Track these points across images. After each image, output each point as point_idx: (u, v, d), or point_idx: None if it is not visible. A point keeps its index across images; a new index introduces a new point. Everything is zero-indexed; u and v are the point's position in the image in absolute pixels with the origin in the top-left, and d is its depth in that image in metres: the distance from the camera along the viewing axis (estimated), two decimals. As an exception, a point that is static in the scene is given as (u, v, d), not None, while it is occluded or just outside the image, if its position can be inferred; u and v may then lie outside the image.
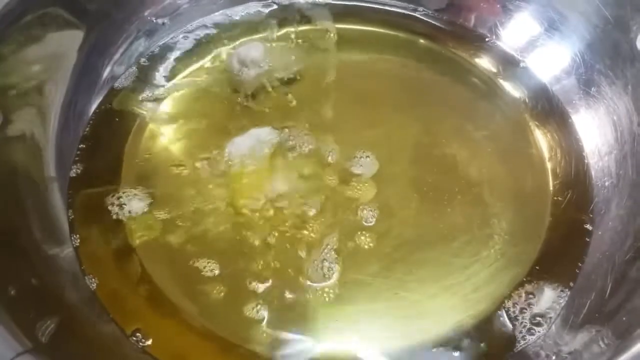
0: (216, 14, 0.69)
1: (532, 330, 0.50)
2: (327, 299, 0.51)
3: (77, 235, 0.53)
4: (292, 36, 0.68)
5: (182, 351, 0.49)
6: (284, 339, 0.49)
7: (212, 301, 0.51)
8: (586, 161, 0.61)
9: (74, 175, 0.57)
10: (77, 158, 0.58)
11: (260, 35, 0.68)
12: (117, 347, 0.48)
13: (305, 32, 0.69)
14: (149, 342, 0.48)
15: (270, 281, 0.52)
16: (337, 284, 0.52)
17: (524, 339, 0.50)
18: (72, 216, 0.54)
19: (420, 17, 0.71)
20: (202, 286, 0.51)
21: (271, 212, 0.55)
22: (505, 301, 0.52)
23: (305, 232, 0.54)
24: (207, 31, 0.68)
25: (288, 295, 0.51)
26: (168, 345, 0.49)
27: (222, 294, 0.51)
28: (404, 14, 0.71)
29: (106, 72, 0.62)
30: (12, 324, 0.39)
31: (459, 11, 0.70)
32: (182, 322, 0.50)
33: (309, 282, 0.52)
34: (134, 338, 0.48)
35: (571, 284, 0.53)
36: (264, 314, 0.50)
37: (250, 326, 0.49)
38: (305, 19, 0.70)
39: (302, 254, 0.53)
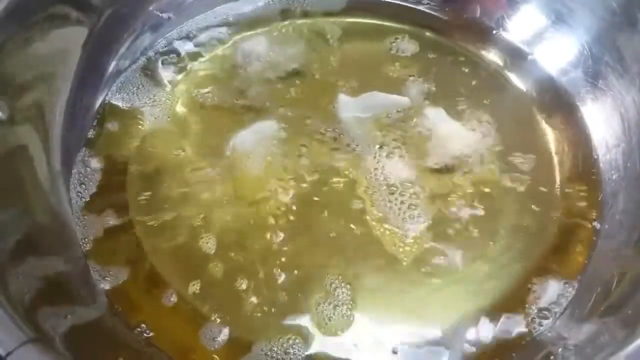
0: (220, 7, 0.69)
1: (539, 323, 0.50)
2: (331, 293, 0.51)
3: (83, 231, 0.54)
4: (297, 30, 0.68)
5: (185, 342, 0.49)
6: (285, 330, 0.49)
7: (216, 292, 0.51)
8: (593, 154, 0.60)
9: (81, 170, 0.57)
10: (82, 153, 0.58)
11: (265, 29, 0.68)
12: (121, 339, 0.48)
13: (309, 25, 0.69)
14: (153, 333, 0.49)
15: (276, 274, 0.52)
16: (341, 278, 0.52)
17: (531, 332, 0.50)
18: (79, 212, 0.55)
19: (426, 9, 0.70)
20: (206, 278, 0.52)
21: (277, 205, 0.55)
22: (512, 294, 0.52)
23: (309, 223, 0.54)
24: (212, 25, 0.68)
25: (290, 288, 0.51)
26: (171, 336, 0.49)
27: (229, 283, 0.51)
28: (408, 7, 0.70)
29: (111, 67, 0.63)
30: (17, 315, 0.39)
31: (464, 3, 0.70)
32: (185, 313, 0.50)
33: (314, 272, 0.52)
34: (139, 329, 0.49)
35: (578, 277, 0.53)
36: (268, 305, 0.50)
37: (253, 318, 0.50)
38: (309, 12, 0.70)
39: (308, 248, 0.53)
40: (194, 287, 0.51)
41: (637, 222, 0.53)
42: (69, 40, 0.58)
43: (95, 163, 0.58)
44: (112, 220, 0.55)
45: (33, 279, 0.44)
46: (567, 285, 0.52)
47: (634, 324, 0.43)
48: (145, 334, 0.49)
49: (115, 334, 0.48)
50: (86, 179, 0.57)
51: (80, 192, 0.56)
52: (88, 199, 0.55)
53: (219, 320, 0.50)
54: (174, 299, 0.51)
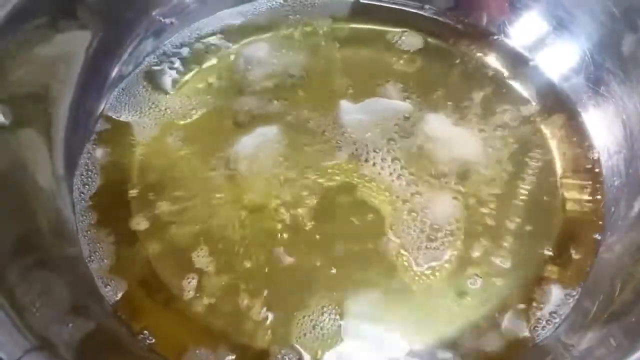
0: (223, 13, 0.69)
1: (541, 330, 0.50)
2: (333, 299, 0.51)
3: (87, 236, 0.54)
4: (299, 35, 0.68)
5: (187, 349, 0.49)
6: (287, 335, 0.49)
7: (218, 298, 0.51)
8: (595, 160, 0.60)
9: (83, 175, 0.57)
10: (86, 157, 0.58)
11: (267, 34, 0.68)
12: (124, 346, 0.48)
13: (312, 31, 0.69)
14: (155, 340, 0.49)
15: (277, 279, 0.52)
16: (344, 284, 0.52)
17: (534, 339, 0.50)
18: (82, 216, 0.55)
19: (428, 15, 0.70)
20: (208, 285, 0.52)
21: (279, 210, 0.55)
22: (515, 301, 0.52)
23: (313, 230, 0.54)
24: (214, 31, 0.68)
25: (292, 294, 0.51)
26: (173, 343, 0.49)
27: (229, 292, 0.51)
28: (410, 12, 0.71)
29: (114, 72, 0.63)
30: (21, 323, 0.39)
31: (466, 9, 0.70)
32: (187, 319, 0.50)
33: (314, 281, 0.52)
34: (141, 336, 0.49)
35: (580, 284, 0.53)
36: (269, 311, 0.50)
37: (253, 324, 0.50)
38: (312, 17, 0.70)
39: (309, 252, 0.53)
40: (195, 293, 0.51)
41: (639, 228, 0.53)
42: (72, 45, 0.58)
43: (98, 167, 0.58)
44: (114, 225, 0.55)
45: (37, 287, 0.44)
46: (569, 293, 0.52)
47: (637, 333, 0.43)
48: (147, 341, 0.49)
49: (118, 341, 0.48)
50: (89, 180, 0.57)
51: (83, 193, 0.56)
52: (91, 203, 0.55)
53: (216, 327, 0.50)
54: (175, 305, 0.51)
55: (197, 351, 0.49)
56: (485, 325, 0.51)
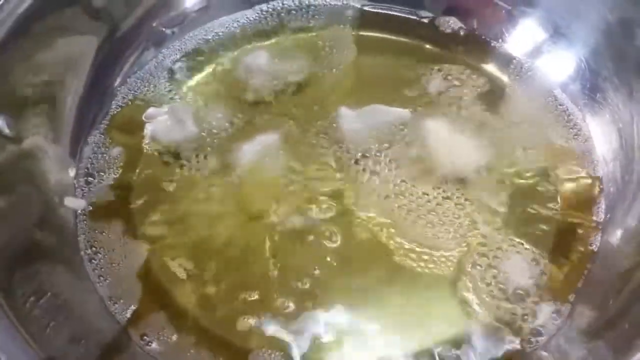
0: (222, 20, 0.69)
1: (534, 340, 0.51)
2: (331, 305, 0.52)
3: (91, 241, 0.54)
4: (300, 43, 0.69)
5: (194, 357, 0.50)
6: (285, 343, 0.50)
7: (222, 308, 0.52)
8: (592, 167, 0.61)
9: (86, 182, 0.57)
10: (89, 166, 0.58)
11: (268, 42, 0.69)
12: (125, 351, 0.49)
13: (310, 38, 0.69)
14: (155, 346, 0.50)
15: (276, 287, 0.53)
16: (343, 289, 0.53)
17: (525, 349, 0.50)
18: (85, 222, 0.55)
19: (424, 22, 0.71)
20: (211, 294, 0.52)
21: (279, 216, 0.56)
22: (508, 311, 0.52)
23: (312, 236, 0.55)
24: (215, 39, 0.68)
25: (291, 302, 0.52)
26: (174, 349, 0.50)
27: (231, 301, 0.52)
28: (409, 18, 0.71)
29: (117, 82, 0.63)
30: (30, 336, 0.40)
31: (463, 16, 0.70)
32: (188, 326, 0.51)
33: (314, 288, 0.53)
34: (149, 347, 0.50)
35: (576, 292, 0.53)
36: (269, 319, 0.51)
37: (254, 331, 0.51)
38: (312, 25, 0.70)
39: (308, 259, 0.54)
40: (199, 303, 0.52)
41: (636, 236, 0.54)
42: (75, 56, 0.59)
43: (101, 176, 0.58)
44: (118, 238, 0.55)
45: (44, 300, 0.45)
46: (564, 301, 0.53)
47: (629, 340, 0.44)
48: (156, 351, 0.50)
49: (127, 354, 0.49)
50: (92, 190, 0.57)
51: (88, 205, 0.56)
52: (95, 214, 0.56)
53: (221, 336, 0.51)
54: (183, 317, 0.52)
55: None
56: (476, 336, 0.51)
